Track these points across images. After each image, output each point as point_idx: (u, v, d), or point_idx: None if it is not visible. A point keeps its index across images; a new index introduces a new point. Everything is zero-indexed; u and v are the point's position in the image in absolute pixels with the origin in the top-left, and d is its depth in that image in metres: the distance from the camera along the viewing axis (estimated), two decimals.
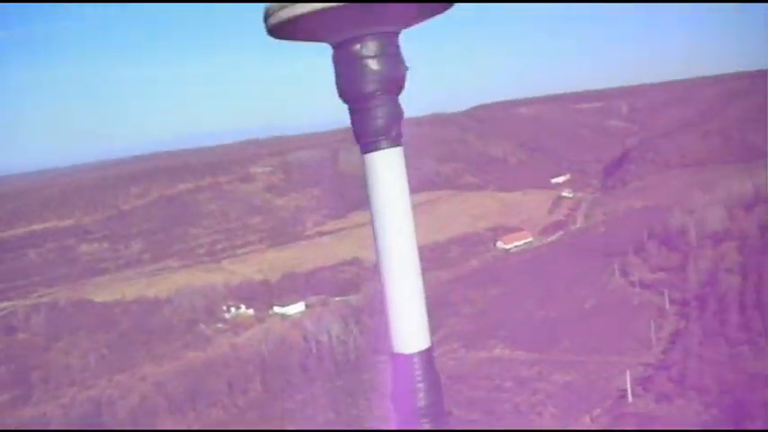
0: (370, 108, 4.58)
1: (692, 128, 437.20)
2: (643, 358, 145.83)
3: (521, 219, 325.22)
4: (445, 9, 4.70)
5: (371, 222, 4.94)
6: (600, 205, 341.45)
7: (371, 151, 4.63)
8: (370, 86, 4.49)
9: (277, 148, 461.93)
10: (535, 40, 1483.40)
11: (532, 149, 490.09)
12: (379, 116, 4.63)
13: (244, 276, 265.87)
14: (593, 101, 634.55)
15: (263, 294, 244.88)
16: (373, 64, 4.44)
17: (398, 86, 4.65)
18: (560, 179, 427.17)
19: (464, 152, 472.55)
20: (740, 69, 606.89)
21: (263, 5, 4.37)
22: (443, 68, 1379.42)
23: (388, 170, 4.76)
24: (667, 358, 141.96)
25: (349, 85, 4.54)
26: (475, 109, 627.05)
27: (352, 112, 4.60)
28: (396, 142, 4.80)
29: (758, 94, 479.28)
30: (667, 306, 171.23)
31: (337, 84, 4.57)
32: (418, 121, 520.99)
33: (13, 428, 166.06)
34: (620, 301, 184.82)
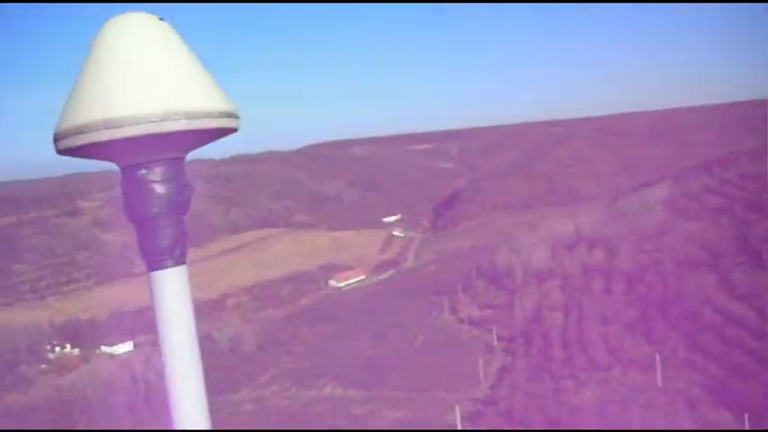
0: (156, 229, 4.65)
1: (519, 171, 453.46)
2: (472, 394, 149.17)
3: (353, 257, 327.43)
4: (228, 134, 4.91)
5: (159, 338, 5.06)
6: (430, 244, 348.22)
7: (157, 269, 4.73)
8: (156, 209, 4.57)
9: (106, 182, 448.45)
10: (367, 80, 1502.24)
11: (365, 189, 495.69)
12: (165, 237, 4.69)
13: (70, 314, 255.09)
14: (425, 142, 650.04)
15: (90, 333, 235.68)
16: (159, 188, 4.53)
17: (183, 208, 4.74)
18: (392, 219, 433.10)
19: (297, 190, 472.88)
20: (562, 117, 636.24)
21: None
22: (277, 106, 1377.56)
23: (173, 287, 4.82)
24: (495, 393, 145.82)
25: (136, 206, 4.59)
26: (308, 147, 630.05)
27: (138, 231, 4.70)
28: (180, 261, 4.86)
29: (579, 139, 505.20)
30: (495, 342, 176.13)
31: (125, 204, 4.65)
32: (252, 159, 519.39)
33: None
34: (449, 338, 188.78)
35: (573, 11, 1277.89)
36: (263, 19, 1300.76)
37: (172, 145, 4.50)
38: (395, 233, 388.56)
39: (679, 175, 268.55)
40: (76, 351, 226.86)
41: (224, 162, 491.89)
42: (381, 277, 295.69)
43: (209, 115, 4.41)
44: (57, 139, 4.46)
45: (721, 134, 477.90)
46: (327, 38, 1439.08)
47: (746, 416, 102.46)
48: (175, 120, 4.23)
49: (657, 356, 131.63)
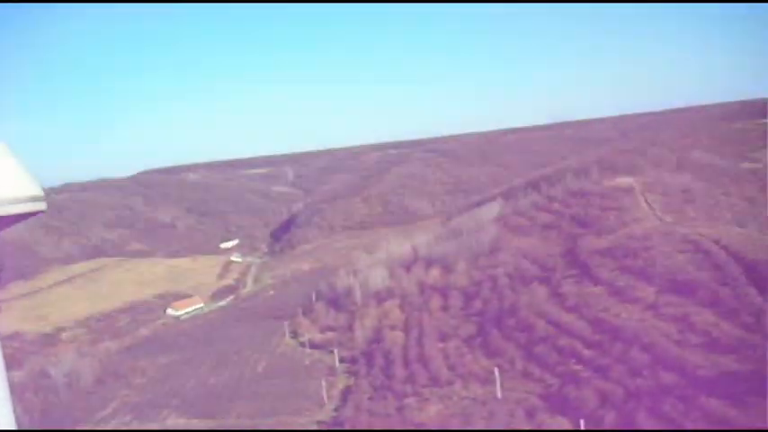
0: None
1: (355, 192, 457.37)
2: (317, 416, 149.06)
3: (191, 285, 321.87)
4: (35, 215, 5.15)
5: None
6: (269, 269, 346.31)
7: None
8: None
9: None
10: (201, 105, 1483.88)
11: (201, 215, 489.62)
12: None
13: None
14: (260, 167, 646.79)
15: None
16: None
17: None
18: (229, 244, 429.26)
19: (131, 218, 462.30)
20: (398, 139, 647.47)
21: None
22: (109, 132, 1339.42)
23: None
24: (339, 415, 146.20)
25: None
26: (141, 174, 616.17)
27: None
28: None
29: (414, 160, 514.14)
30: (337, 364, 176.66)
31: None
32: (83, 187, 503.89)
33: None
34: (291, 362, 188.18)
35: (396, 35, 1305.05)
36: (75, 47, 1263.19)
37: None
38: (233, 259, 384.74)
39: (509, 193, 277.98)
40: None
41: (54, 190, 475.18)
42: (221, 304, 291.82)
43: (17, 201, 4.56)
44: None
45: (544, 154, 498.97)
46: (154, 64, 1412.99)
47: (582, 421, 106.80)
48: None
49: (496, 369, 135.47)
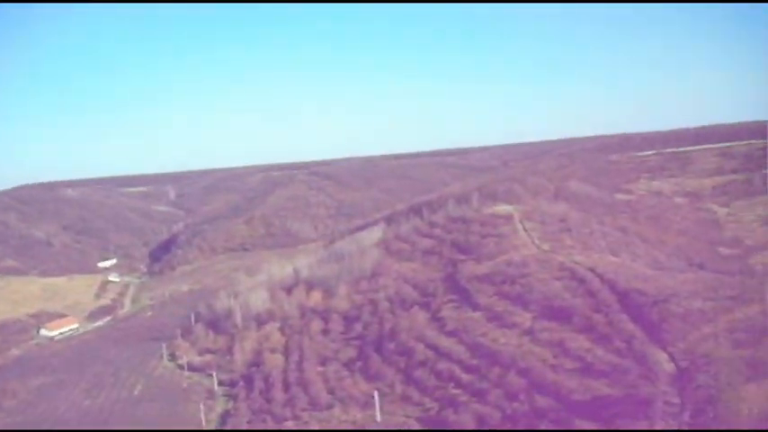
0: None
1: (238, 214, 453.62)
2: None
3: (66, 304, 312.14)
4: None
5: None
6: (148, 289, 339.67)
7: None
8: None
9: None
10: (81, 121, 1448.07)
11: (78, 232, 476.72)
12: None
13: None
14: (141, 185, 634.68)
15: None
16: None
17: None
18: (107, 263, 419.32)
19: (5, 234, 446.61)
20: (285, 160, 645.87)
21: None
22: None
23: None
24: None
25: None
26: (17, 189, 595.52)
27: None
28: None
29: (297, 183, 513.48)
30: (216, 387, 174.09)
31: None
32: None
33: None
34: (169, 385, 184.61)
35: (278, 61, 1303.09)
36: None
37: None
38: (111, 278, 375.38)
39: (391, 218, 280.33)
40: None
41: None
42: (97, 324, 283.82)
43: None
44: None
45: (426, 181, 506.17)
46: (36, 76, 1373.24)
47: None
48: None
49: (376, 393, 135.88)
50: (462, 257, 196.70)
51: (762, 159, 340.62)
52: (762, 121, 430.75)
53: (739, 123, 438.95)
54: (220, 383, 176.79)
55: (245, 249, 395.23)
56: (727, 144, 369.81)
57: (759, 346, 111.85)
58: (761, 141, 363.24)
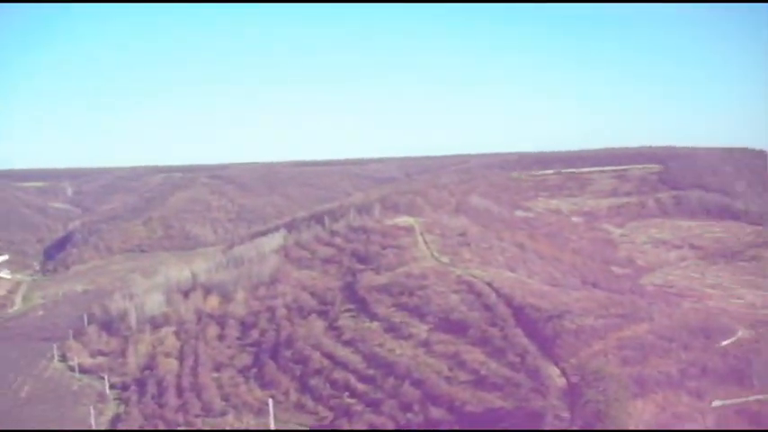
0: None
1: (136, 214, 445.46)
2: None
3: None
4: None
5: None
6: (40, 288, 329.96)
7: None
8: None
9: None
10: None
11: None
12: None
13: None
14: (37, 179, 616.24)
15: None
16: None
17: None
18: None
19: None
20: (186, 162, 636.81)
21: None
22: None
23: None
24: None
25: None
26: None
27: None
28: None
29: (198, 186, 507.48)
30: (107, 391, 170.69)
31: None
32: None
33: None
34: (59, 388, 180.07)
35: (183, 67, 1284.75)
36: None
37: None
38: (1, 275, 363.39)
39: (292, 225, 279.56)
40: None
41: None
42: None
43: None
44: None
45: (329, 189, 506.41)
46: None
47: None
48: None
49: (270, 400, 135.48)
50: (362, 267, 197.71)
51: (655, 183, 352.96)
52: (656, 147, 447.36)
53: (636, 148, 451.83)
54: (112, 386, 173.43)
55: (143, 251, 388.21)
56: (624, 167, 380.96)
57: (646, 363, 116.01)
58: (655, 166, 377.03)
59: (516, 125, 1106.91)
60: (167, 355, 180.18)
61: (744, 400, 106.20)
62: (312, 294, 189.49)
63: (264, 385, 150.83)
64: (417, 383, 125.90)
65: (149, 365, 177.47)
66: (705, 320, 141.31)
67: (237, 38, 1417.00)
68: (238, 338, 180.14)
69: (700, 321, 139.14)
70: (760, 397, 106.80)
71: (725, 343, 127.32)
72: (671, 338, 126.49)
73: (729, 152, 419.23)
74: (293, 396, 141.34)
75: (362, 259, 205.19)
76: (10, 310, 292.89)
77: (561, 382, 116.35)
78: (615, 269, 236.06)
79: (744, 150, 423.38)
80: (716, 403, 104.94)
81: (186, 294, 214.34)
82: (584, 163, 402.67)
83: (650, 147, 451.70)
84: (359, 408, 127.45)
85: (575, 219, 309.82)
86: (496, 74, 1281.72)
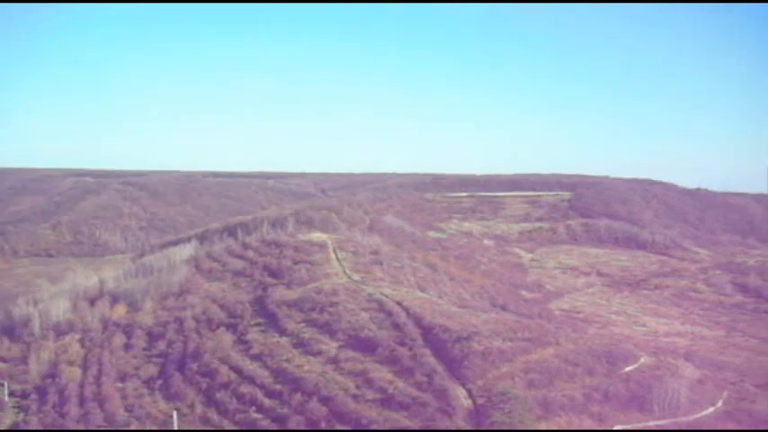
0: None
1: (45, 218, 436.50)
2: None
3: None
4: None
5: None
6: None
7: None
8: None
9: None
10: None
11: None
12: None
13: None
14: None
15: None
16: None
17: None
18: None
19: None
20: (99, 167, 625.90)
21: None
22: None
23: None
24: None
25: None
26: None
27: None
28: None
29: (110, 191, 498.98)
30: (6, 398, 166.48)
31: None
32: None
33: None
34: None
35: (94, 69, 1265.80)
36: None
37: None
38: None
39: (204, 236, 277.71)
40: None
41: None
42: None
43: None
44: None
45: (243, 201, 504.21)
46: None
47: None
48: None
49: (174, 413, 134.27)
50: (273, 281, 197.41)
51: (566, 210, 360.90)
52: (568, 175, 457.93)
53: (549, 175, 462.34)
54: (11, 394, 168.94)
55: (50, 255, 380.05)
56: (537, 193, 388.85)
57: (551, 386, 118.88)
58: (566, 194, 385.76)
59: (432, 148, 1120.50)
60: (71, 363, 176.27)
61: (644, 425, 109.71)
62: (222, 307, 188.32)
63: (170, 397, 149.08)
64: (324, 400, 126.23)
65: (51, 373, 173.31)
66: (609, 346, 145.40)
67: (148, 45, 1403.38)
68: (145, 349, 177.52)
69: (604, 347, 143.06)
70: (660, 422, 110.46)
71: (627, 369, 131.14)
72: (576, 363, 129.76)
73: (638, 182, 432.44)
74: (198, 409, 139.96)
75: (274, 273, 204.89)
76: None
77: (468, 403, 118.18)
78: (524, 293, 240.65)
79: (651, 182, 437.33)
80: (617, 428, 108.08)
81: (93, 302, 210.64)
82: (498, 187, 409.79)
83: (562, 174, 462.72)
84: (265, 423, 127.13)
85: (486, 242, 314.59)
86: (416, 97, 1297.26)
